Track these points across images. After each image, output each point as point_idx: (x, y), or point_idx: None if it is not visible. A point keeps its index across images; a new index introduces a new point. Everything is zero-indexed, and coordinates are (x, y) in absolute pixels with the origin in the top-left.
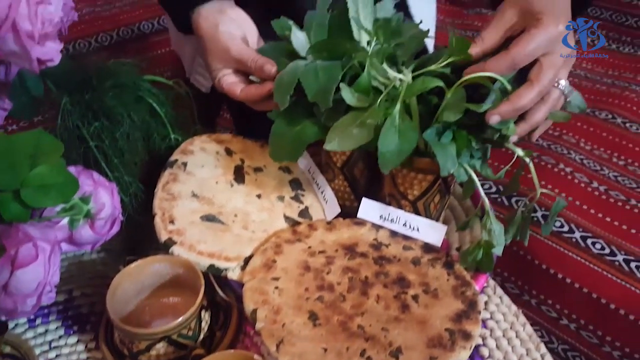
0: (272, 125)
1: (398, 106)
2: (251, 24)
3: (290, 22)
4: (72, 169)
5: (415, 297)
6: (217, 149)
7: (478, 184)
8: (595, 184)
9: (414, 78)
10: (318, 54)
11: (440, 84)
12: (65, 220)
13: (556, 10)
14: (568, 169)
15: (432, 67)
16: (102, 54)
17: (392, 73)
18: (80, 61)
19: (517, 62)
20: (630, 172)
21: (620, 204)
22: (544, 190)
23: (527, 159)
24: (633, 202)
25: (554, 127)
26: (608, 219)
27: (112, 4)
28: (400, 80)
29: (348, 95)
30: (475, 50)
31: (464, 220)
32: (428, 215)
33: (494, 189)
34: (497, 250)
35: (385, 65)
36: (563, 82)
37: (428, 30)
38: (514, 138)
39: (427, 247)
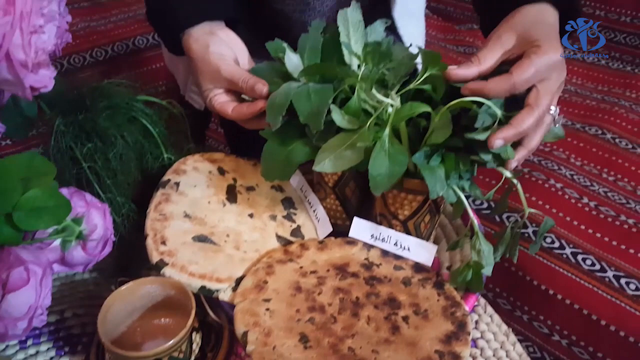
0: (264, 143)
1: (387, 130)
2: (241, 44)
3: (285, 45)
4: (64, 191)
5: (405, 319)
6: (210, 168)
7: (467, 205)
8: (585, 200)
9: (403, 100)
10: (310, 76)
11: (428, 109)
12: (57, 242)
13: (552, 38)
14: (559, 185)
15: (411, 86)
16: (97, 69)
17: (381, 98)
18: (74, 81)
19: (517, 87)
20: (620, 187)
21: (610, 219)
22: (532, 210)
23: (515, 180)
24: (623, 217)
25: (545, 143)
26: (598, 235)
27: (107, 19)
28: (391, 105)
29: (338, 117)
30: (472, 71)
31: (454, 239)
32: (419, 234)
33: (485, 205)
34: (487, 271)
35: (374, 90)
36: (553, 108)
37: (417, 54)
38: (512, 164)
39: (418, 267)
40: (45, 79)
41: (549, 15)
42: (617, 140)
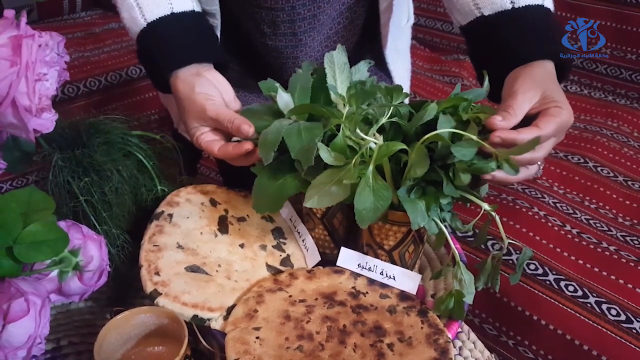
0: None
1: (371, 167)
2: (227, 85)
3: (277, 84)
4: (62, 224)
5: (390, 346)
6: (202, 200)
7: (448, 235)
8: (568, 227)
9: (388, 136)
10: (299, 115)
11: (403, 146)
12: (54, 273)
13: (566, 101)
14: (542, 213)
15: (383, 120)
16: (91, 98)
17: (363, 136)
18: (69, 113)
19: (542, 138)
20: (602, 215)
21: (592, 246)
22: (512, 241)
23: (493, 213)
24: (604, 244)
25: None
26: (581, 262)
27: (100, 49)
28: (374, 142)
29: (325, 154)
30: (510, 123)
31: (438, 268)
32: (403, 264)
33: (471, 233)
34: (468, 299)
35: (357, 130)
36: (540, 163)
37: (404, 93)
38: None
39: (403, 295)
40: (47, 122)
41: (553, 73)
42: (598, 168)
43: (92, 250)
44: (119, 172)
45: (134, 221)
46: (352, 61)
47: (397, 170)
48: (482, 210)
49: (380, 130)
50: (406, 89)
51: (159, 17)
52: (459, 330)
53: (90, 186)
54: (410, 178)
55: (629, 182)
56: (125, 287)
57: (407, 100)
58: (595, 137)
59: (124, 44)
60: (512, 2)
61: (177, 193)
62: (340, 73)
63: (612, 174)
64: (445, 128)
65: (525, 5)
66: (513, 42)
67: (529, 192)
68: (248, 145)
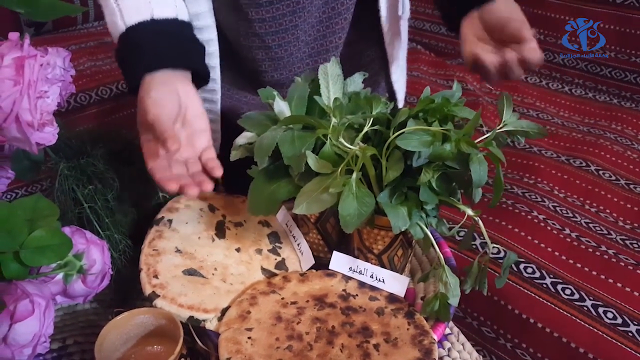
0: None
1: (354, 175)
2: (197, 101)
3: (275, 92)
4: (67, 230)
5: (376, 346)
6: (201, 206)
7: (433, 240)
8: (567, 231)
9: (371, 144)
10: (293, 125)
11: (374, 151)
12: (60, 276)
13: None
14: (541, 217)
15: (365, 129)
16: (103, 106)
17: (347, 146)
18: (78, 122)
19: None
20: (602, 218)
21: (591, 250)
22: (496, 246)
23: (477, 218)
24: (603, 248)
25: (529, 175)
26: (579, 265)
27: (111, 58)
28: (357, 151)
29: (313, 162)
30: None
31: (426, 271)
32: (393, 267)
33: (462, 234)
34: (453, 302)
35: (341, 139)
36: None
37: (393, 103)
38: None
39: (392, 298)
40: (49, 136)
41: None
42: (600, 172)
43: (95, 254)
44: (121, 180)
45: (136, 226)
46: (351, 48)
47: (380, 176)
48: (465, 216)
49: (367, 139)
50: (403, 86)
51: (138, 22)
52: (449, 332)
53: (94, 194)
54: (388, 182)
55: (631, 186)
56: (127, 289)
57: (402, 103)
58: (598, 140)
59: None
60: None
61: (177, 199)
62: (334, 84)
63: (613, 177)
64: (411, 127)
65: None
66: None
67: (529, 196)
68: (172, 187)
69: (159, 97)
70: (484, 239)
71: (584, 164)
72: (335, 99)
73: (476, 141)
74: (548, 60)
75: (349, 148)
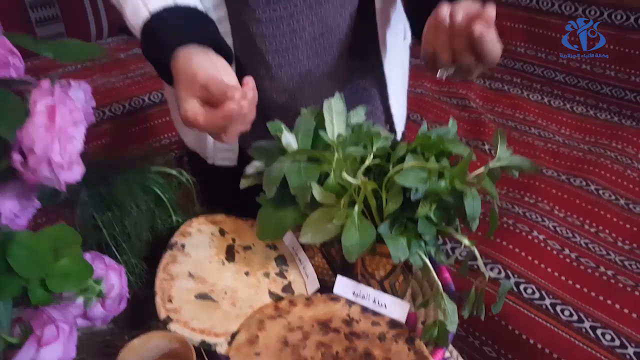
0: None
1: (356, 208)
2: (227, 65)
3: (282, 125)
4: (87, 256)
5: None
6: (212, 230)
7: (432, 269)
8: (566, 251)
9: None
10: (300, 156)
11: (375, 186)
12: (80, 300)
13: None
14: (541, 237)
15: (367, 163)
16: (115, 122)
17: (350, 180)
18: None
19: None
20: (601, 239)
21: (590, 271)
22: (491, 274)
23: (473, 248)
24: (602, 269)
25: (530, 194)
26: (578, 286)
27: (125, 75)
28: (359, 185)
29: (318, 194)
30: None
31: (426, 297)
32: (394, 292)
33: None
34: (451, 328)
35: (344, 173)
36: None
37: (394, 135)
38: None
39: (393, 323)
40: (76, 174)
41: None
42: (600, 191)
43: (113, 279)
44: (138, 207)
45: (151, 249)
46: (350, 78)
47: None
48: (462, 245)
49: (369, 170)
50: (403, 110)
51: (163, 8)
52: (448, 356)
53: (112, 220)
54: (388, 214)
55: (630, 205)
56: (142, 311)
57: (401, 125)
58: (599, 159)
59: (147, 69)
60: None
61: (190, 224)
62: (338, 119)
63: (613, 197)
64: (409, 163)
65: None
66: None
67: (530, 215)
68: (231, 105)
69: (202, 61)
70: (485, 263)
71: (584, 183)
72: (339, 135)
73: (472, 174)
74: (549, 78)
75: (352, 182)
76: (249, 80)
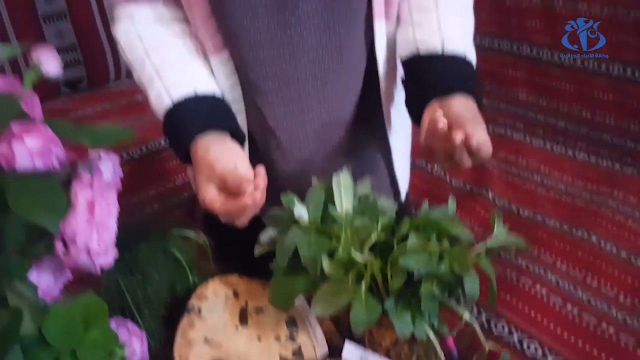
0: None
1: (363, 286)
2: (242, 154)
3: (295, 198)
4: (112, 323)
5: None
6: (227, 292)
7: (435, 342)
8: (569, 307)
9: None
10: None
11: (380, 264)
12: None
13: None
14: (544, 291)
15: (372, 238)
16: (132, 166)
17: (358, 258)
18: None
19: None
20: (603, 294)
21: (592, 328)
22: (492, 348)
23: (475, 324)
24: (604, 326)
25: (533, 245)
26: (580, 344)
27: (141, 118)
28: (368, 262)
29: (328, 267)
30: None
31: None
32: None
33: (475, 311)
34: None
35: (352, 250)
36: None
37: (398, 204)
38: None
39: None
40: (110, 258)
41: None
42: (602, 243)
43: (135, 344)
44: (159, 273)
45: (169, 310)
46: (356, 148)
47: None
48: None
49: (374, 244)
50: (406, 172)
51: (184, 97)
52: None
53: (136, 286)
54: (393, 290)
55: (632, 258)
56: None
57: (405, 186)
58: (600, 209)
59: None
60: (442, 48)
61: (206, 286)
62: (346, 194)
63: (615, 250)
64: (412, 244)
65: (452, 54)
66: (437, 78)
67: (532, 268)
68: (247, 200)
69: (219, 152)
70: (488, 318)
71: (586, 235)
72: (347, 214)
73: (470, 251)
74: (550, 124)
75: (359, 260)
76: (260, 170)
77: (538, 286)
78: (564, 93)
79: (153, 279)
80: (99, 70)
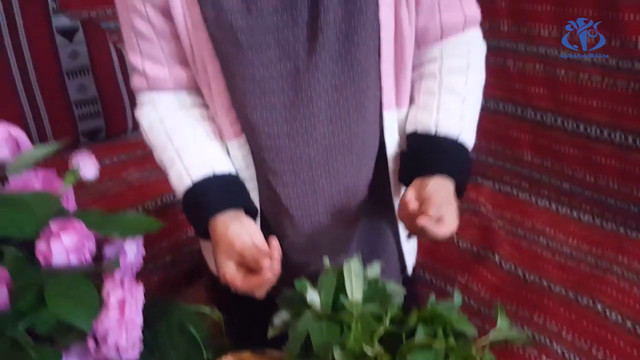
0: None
1: None
2: (257, 230)
3: (308, 284)
4: None
5: None
6: None
7: None
8: None
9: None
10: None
11: (389, 358)
12: None
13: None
14: None
15: (380, 330)
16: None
17: (369, 350)
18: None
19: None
20: None
21: None
22: None
23: None
24: None
25: (539, 313)
26: None
27: (158, 170)
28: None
29: (338, 356)
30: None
31: None
32: None
33: None
34: None
35: (363, 345)
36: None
37: (404, 289)
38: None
39: None
40: (136, 352)
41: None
42: (607, 312)
43: None
44: (175, 350)
45: None
46: (365, 222)
47: None
48: None
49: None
50: (413, 247)
51: (203, 177)
52: None
53: None
54: None
55: (637, 327)
56: None
57: (412, 260)
58: (605, 275)
59: None
60: (435, 130)
61: None
62: (356, 281)
63: (620, 319)
64: (419, 340)
65: (445, 136)
66: (423, 157)
67: (539, 337)
68: (267, 275)
69: (237, 230)
70: None
71: (591, 302)
72: (357, 304)
73: (476, 342)
74: (555, 186)
75: (369, 354)
76: (274, 242)
77: (544, 357)
78: (568, 156)
79: (170, 357)
80: (117, 122)
